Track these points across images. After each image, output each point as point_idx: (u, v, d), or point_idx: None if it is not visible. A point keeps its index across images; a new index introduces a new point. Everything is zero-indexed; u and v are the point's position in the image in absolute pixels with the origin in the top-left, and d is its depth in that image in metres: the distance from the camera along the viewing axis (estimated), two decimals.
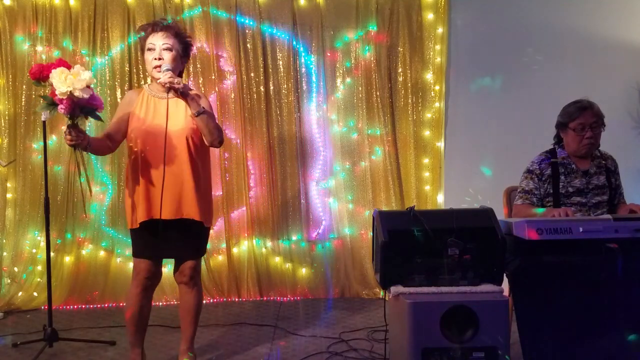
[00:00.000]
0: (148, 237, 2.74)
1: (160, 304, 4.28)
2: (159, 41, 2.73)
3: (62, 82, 2.32)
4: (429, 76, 4.45)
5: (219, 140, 2.73)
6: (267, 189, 4.45)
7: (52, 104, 2.42)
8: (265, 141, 4.43)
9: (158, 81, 2.68)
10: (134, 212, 2.72)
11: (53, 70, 2.36)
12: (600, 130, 2.90)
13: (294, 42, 4.43)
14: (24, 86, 4.31)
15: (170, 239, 2.76)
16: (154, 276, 2.83)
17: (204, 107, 2.69)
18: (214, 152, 4.43)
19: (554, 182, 2.91)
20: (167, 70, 2.66)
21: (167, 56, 2.72)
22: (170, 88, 2.62)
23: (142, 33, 2.79)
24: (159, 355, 3.26)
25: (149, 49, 2.73)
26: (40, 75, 2.43)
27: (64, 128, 2.56)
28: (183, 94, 2.65)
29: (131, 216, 2.74)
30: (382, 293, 4.05)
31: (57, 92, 2.34)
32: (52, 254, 3.79)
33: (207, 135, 2.70)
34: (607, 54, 4.42)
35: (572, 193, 2.90)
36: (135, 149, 2.72)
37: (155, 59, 2.71)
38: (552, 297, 2.47)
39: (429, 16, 4.43)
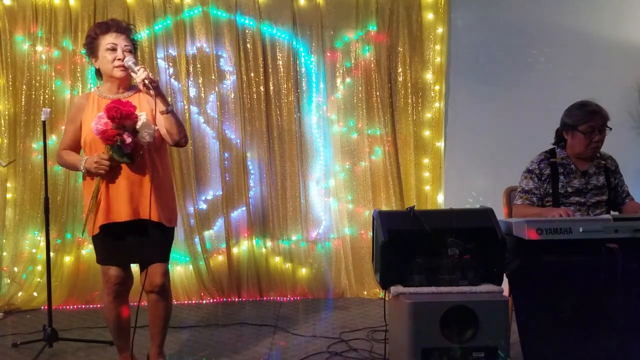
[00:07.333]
0: (111, 242, 2.64)
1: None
2: (121, 42, 2.66)
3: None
4: (429, 76, 4.45)
5: (185, 138, 2.69)
6: (267, 189, 4.45)
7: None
8: (265, 141, 4.43)
9: (137, 78, 2.60)
10: (95, 218, 2.61)
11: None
12: (606, 134, 2.90)
13: (294, 42, 4.42)
14: (24, 86, 4.31)
15: (134, 243, 2.66)
16: (124, 281, 2.73)
17: (171, 104, 2.65)
18: (214, 153, 4.45)
19: (554, 182, 2.91)
20: (140, 66, 2.61)
21: (130, 57, 2.67)
22: (144, 85, 2.57)
23: (96, 32, 2.68)
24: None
25: (110, 49, 2.65)
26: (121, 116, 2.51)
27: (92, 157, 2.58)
28: (157, 89, 2.60)
29: (92, 223, 2.62)
30: (382, 293, 4.05)
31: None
32: (52, 254, 3.79)
33: (175, 133, 2.64)
34: (607, 54, 4.41)
35: (571, 193, 2.90)
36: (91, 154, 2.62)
37: (119, 59, 2.64)
38: (552, 297, 2.47)
39: (429, 16, 4.42)
